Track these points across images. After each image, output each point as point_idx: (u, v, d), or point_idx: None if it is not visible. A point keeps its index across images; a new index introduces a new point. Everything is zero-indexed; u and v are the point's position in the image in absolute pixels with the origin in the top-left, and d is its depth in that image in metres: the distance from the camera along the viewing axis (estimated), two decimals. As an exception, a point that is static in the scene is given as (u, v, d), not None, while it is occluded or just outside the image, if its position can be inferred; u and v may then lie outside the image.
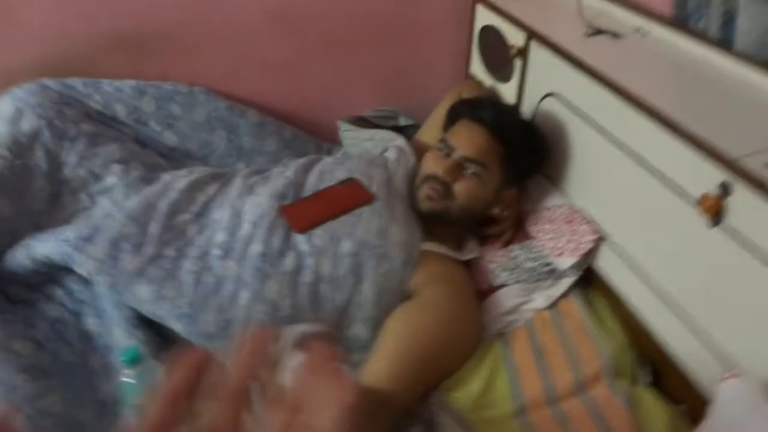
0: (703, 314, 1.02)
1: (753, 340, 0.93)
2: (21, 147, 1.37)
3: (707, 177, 0.94)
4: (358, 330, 1.21)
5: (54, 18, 1.51)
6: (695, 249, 1.01)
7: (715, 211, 0.93)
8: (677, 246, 1.05)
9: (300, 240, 1.23)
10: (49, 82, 1.50)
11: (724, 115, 1.03)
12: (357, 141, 1.62)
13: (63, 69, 1.54)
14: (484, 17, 1.66)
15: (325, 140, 1.77)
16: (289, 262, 1.20)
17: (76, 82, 1.52)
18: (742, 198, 0.90)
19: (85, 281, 1.22)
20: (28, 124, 1.39)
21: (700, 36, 1.23)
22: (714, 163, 0.93)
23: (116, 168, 1.42)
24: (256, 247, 1.21)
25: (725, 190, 0.92)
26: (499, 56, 1.59)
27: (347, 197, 1.29)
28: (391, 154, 1.46)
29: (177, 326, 1.14)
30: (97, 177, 1.41)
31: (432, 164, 1.34)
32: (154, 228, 1.23)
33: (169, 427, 0.34)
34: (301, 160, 1.43)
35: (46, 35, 1.53)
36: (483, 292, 1.31)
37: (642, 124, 1.07)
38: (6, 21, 1.49)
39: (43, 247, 1.19)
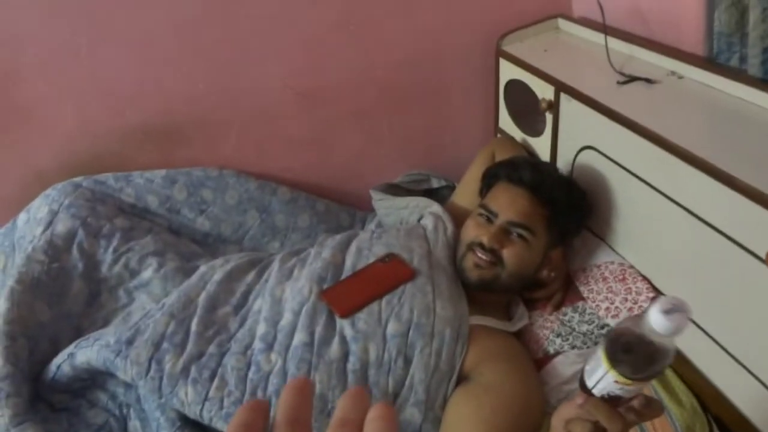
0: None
1: None
2: (57, 250, 1.37)
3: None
4: (411, 414, 1.15)
5: (82, 116, 1.53)
6: (761, 303, 0.94)
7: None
8: (743, 303, 0.99)
9: (344, 325, 1.19)
10: (81, 180, 1.51)
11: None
12: (391, 210, 1.59)
13: (94, 165, 1.55)
14: (508, 72, 1.63)
15: (359, 209, 1.75)
16: (334, 349, 1.16)
17: (108, 177, 1.53)
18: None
19: (128, 384, 1.19)
20: (62, 225, 1.40)
21: (739, 75, 1.18)
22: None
23: (152, 261, 1.41)
24: (300, 337, 1.17)
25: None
26: (529, 110, 1.55)
27: (388, 275, 1.25)
28: (428, 223, 1.42)
29: (224, 427, 1.10)
30: (133, 272, 1.40)
31: (475, 231, 1.30)
32: (194, 325, 1.20)
33: None
34: (337, 238, 1.40)
35: (75, 134, 1.54)
36: (538, 361, 1.25)
37: (689, 175, 1.02)
38: (35, 123, 1.51)
39: (84, 354, 1.17)
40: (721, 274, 1.02)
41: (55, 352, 1.23)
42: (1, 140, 1.51)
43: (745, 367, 1.01)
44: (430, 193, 1.74)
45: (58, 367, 1.20)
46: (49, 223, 1.40)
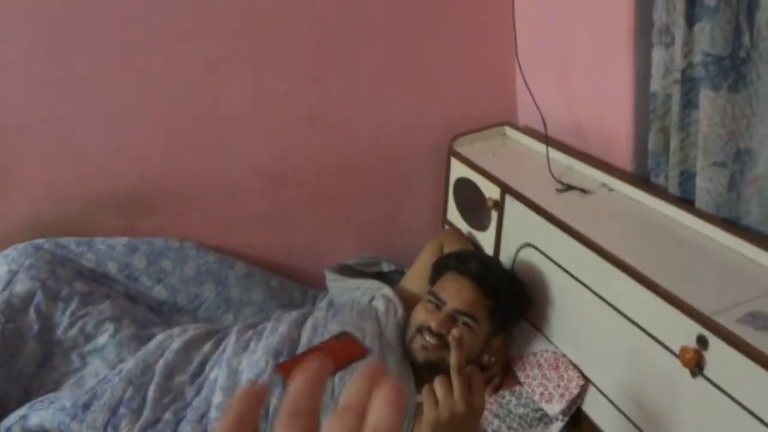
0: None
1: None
2: (14, 310, 1.39)
3: (685, 330, 1.02)
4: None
5: (50, 179, 1.57)
6: (679, 397, 1.06)
7: (694, 363, 0.99)
8: (660, 393, 1.11)
9: (297, 397, 1.25)
10: (43, 242, 1.54)
11: (693, 270, 1.13)
12: (344, 290, 1.67)
13: (57, 228, 1.58)
14: (459, 170, 1.78)
15: (312, 287, 1.82)
16: (286, 421, 1.21)
17: (70, 242, 1.57)
18: (718, 351, 0.97)
19: (79, 449, 1.20)
20: (21, 286, 1.42)
21: (663, 192, 1.35)
22: (690, 318, 1.00)
23: (108, 326, 1.44)
24: (254, 407, 1.22)
25: (702, 343, 0.99)
26: (476, 206, 1.70)
27: (342, 352, 1.33)
28: (379, 304, 1.51)
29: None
30: (88, 337, 1.43)
31: (424, 316, 1.39)
32: (151, 392, 1.24)
33: None
34: (294, 314, 1.47)
35: (42, 196, 1.58)
36: (477, 439, 1.33)
37: (615, 277, 1.16)
38: (2, 183, 1.54)
39: (38, 416, 1.18)
40: (641, 366, 1.15)
41: (4, 413, 1.24)
42: (-32, 195, 1.54)
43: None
44: (380, 276, 1.83)
45: (8, 429, 1.20)
46: (8, 283, 1.42)
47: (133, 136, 1.59)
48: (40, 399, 1.24)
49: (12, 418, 1.21)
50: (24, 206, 1.57)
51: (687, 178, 1.30)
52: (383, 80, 1.76)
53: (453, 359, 1.00)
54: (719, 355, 0.97)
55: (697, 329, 1.00)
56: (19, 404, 1.25)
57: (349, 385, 0.36)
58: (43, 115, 1.51)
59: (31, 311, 1.40)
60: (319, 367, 0.37)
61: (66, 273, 1.51)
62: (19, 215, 1.57)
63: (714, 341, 0.97)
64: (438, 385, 1.00)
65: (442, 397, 0.99)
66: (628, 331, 1.16)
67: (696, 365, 1.00)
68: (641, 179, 1.44)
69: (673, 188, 1.33)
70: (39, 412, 1.19)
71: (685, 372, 1.02)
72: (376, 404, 0.34)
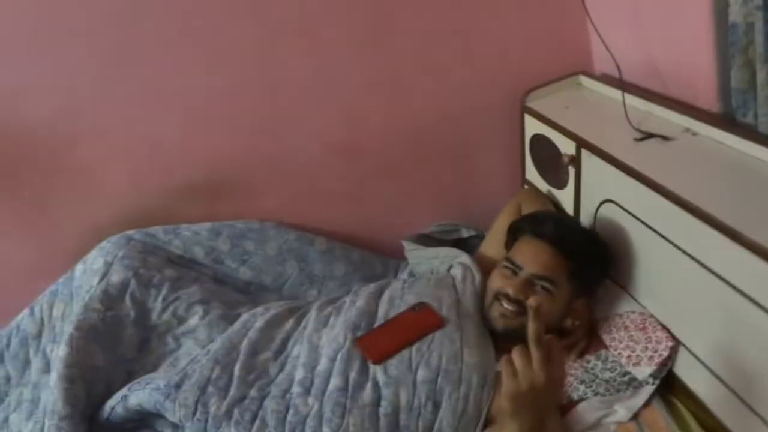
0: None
1: None
2: (112, 299, 1.48)
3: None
4: (441, 457, 1.21)
5: (134, 175, 1.66)
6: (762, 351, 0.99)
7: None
8: (755, 354, 1.03)
9: (377, 371, 1.26)
10: (133, 233, 1.63)
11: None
12: (422, 259, 1.66)
13: (145, 219, 1.67)
14: (533, 127, 1.72)
15: (393, 258, 1.83)
16: (367, 394, 1.23)
17: (157, 231, 1.65)
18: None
19: (176, 425, 1.28)
20: (116, 276, 1.51)
21: (752, 132, 1.24)
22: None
23: (198, 309, 1.51)
24: (335, 382, 1.25)
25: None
26: (553, 163, 1.63)
27: (419, 323, 1.33)
28: (456, 272, 1.49)
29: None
30: (180, 320, 1.50)
31: (501, 282, 1.37)
32: (237, 370, 1.29)
33: None
34: (371, 288, 1.48)
35: (128, 191, 1.68)
36: (562, 407, 1.29)
37: (702, 232, 1.07)
38: (90, 182, 1.64)
39: (137, 396, 1.26)
40: (733, 326, 1.07)
41: (109, 395, 1.33)
42: (63, 197, 1.64)
43: (759, 415, 1.05)
44: (460, 243, 1.81)
45: (112, 408, 1.29)
46: (105, 274, 1.52)
47: (201, 124, 1.64)
48: (138, 380, 1.32)
49: (115, 399, 1.30)
50: (112, 201, 1.67)
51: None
52: (444, 38, 1.70)
53: (530, 329, 0.98)
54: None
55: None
56: (123, 386, 1.34)
57: None
58: (117, 114, 1.59)
59: (127, 299, 1.49)
60: None
61: (156, 260, 1.59)
62: (108, 210, 1.67)
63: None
64: (516, 355, 0.99)
65: (521, 368, 0.97)
66: (718, 289, 1.08)
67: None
68: (727, 120, 1.33)
69: (763, 127, 1.22)
70: (137, 392, 1.27)
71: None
72: None
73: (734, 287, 1.04)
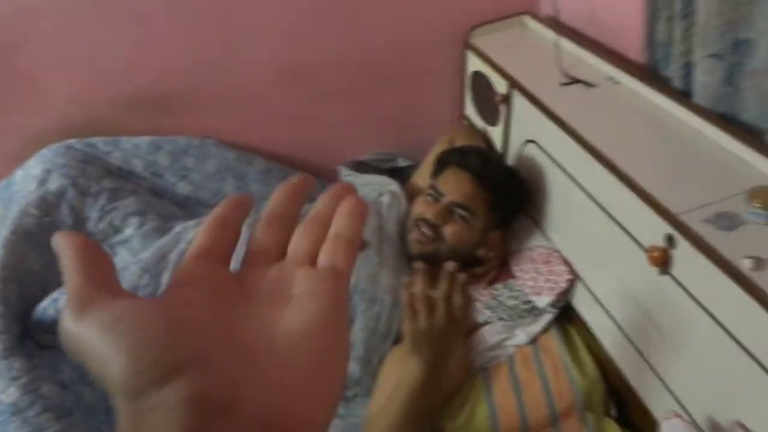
0: (655, 353, 1.10)
1: (694, 382, 1.01)
2: (49, 205, 1.51)
3: (655, 230, 1.02)
4: (350, 368, 1.31)
5: (77, 84, 1.66)
6: (647, 294, 1.09)
7: (661, 261, 1.01)
8: (633, 289, 1.13)
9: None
10: (74, 142, 1.65)
11: (678, 169, 1.11)
12: (356, 186, 1.72)
13: (86, 129, 1.68)
14: (474, 63, 1.76)
15: (331, 182, 1.87)
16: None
17: (98, 141, 1.67)
18: (684, 251, 0.98)
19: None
20: (54, 183, 1.54)
21: (665, 86, 1.30)
22: (659, 217, 1.01)
23: (134, 220, 1.56)
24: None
25: (670, 242, 1.00)
26: (489, 101, 1.68)
27: (340, 245, 1.39)
28: (384, 200, 1.56)
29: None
30: (116, 229, 1.55)
31: (422, 208, 1.44)
32: (165, 278, 1.35)
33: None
34: (303, 209, 1.53)
35: (70, 100, 1.68)
36: (470, 329, 1.40)
37: (602, 175, 1.15)
38: (33, 89, 1.64)
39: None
40: (619, 264, 1.17)
41: (44, 297, 1.39)
42: (5, 102, 1.64)
43: (643, 357, 1.16)
44: (396, 172, 1.87)
45: (44, 309, 1.35)
46: (43, 181, 1.55)
47: (147, 38, 1.64)
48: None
49: (47, 301, 1.36)
50: (54, 109, 1.67)
51: (689, 71, 1.25)
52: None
53: (442, 290, 1.03)
54: (685, 254, 0.98)
55: (666, 228, 1.00)
56: (57, 289, 1.40)
57: (318, 199, 0.39)
58: (60, 20, 1.56)
59: (64, 206, 1.53)
60: (302, 180, 0.40)
61: (95, 171, 1.62)
62: (49, 118, 1.68)
63: (680, 241, 0.98)
64: (418, 301, 1.03)
65: (422, 313, 1.02)
66: (609, 228, 1.17)
67: (663, 264, 1.01)
68: (650, 71, 1.39)
69: (677, 82, 1.28)
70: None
71: (654, 270, 1.04)
72: (339, 214, 0.38)
73: (621, 226, 1.13)
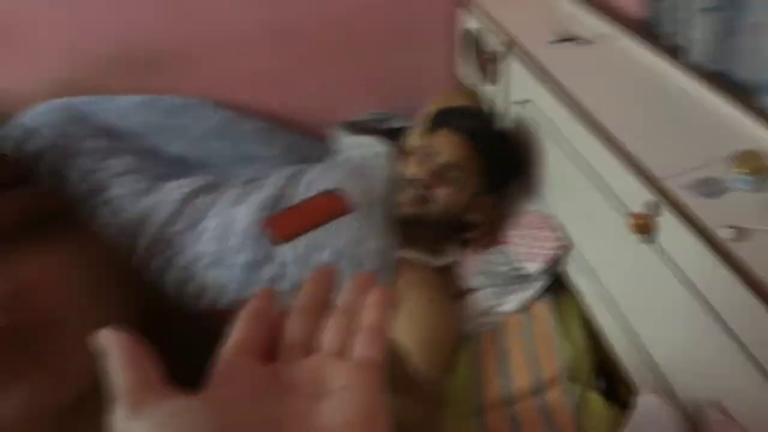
0: (638, 325, 1.07)
1: (677, 360, 0.97)
2: (31, 164, 1.49)
3: (639, 195, 0.98)
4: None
5: (62, 39, 1.62)
6: (634, 263, 1.04)
7: (643, 228, 0.96)
8: (621, 258, 1.09)
9: (283, 250, 1.32)
10: (59, 101, 1.61)
11: (666, 131, 1.06)
12: (348, 147, 1.69)
13: (73, 88, 1.64)
14: (468, 20, 1.69)
15: (325, 142, 1.84)
16: (269, 270, 1.29)
17: (85, 100, 1.63)
18: (667, 219, 0.93)
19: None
20: (33, 145, 1.52)
21: (657, 43, 1.24)
22: (642, 183, 0.96)
23: (122, 180, 1.53)
24: (243, 256, 1.30)
25: (654, 209, 0.95)
26: (484, 59, 1.62)
27: (328, 207, 1.37)
28: (375, 161, 1.52)
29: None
30: (103, 189, 1.53)
31: (414, 169, 1.40)
32: (143, 240, 1.34)
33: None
34: (290, 170, 1.50)
35: (56, 56, 1.64)
36: (461, 293, 1.38)
37: (590, 137, 1.11)
38: (16, 44, 1.60)
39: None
40: (606, 230, 1.12)
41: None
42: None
43: (618, 315, 1.13)
44: (391, 133, 1.83)
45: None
46: (22, 142, 1.52)
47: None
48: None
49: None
50: (40, 69, 1.64)
51: (684, 26, 1.18)
52: None
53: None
54: (668, 222, 0.93)
55: (648, 194, 0.96)
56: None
57: (344, 289, 0.42)
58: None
59: (42, 168, 1.51)
60: (328, 271, 0.44)
61: (82, 130, 1.59)
62: (35, 77, 1.64)
63: (663, 207, 0.93)
64: None
65: None
66: (596, 194, 1.13)
67: (646, 232, 0.97)
68: (645, 27, 1.32)
69: (671, 38, 1.22)
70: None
71: (638, 238, 1.00)
72: (368, 306, 0.40)
73: (615, 196, 1.09)
